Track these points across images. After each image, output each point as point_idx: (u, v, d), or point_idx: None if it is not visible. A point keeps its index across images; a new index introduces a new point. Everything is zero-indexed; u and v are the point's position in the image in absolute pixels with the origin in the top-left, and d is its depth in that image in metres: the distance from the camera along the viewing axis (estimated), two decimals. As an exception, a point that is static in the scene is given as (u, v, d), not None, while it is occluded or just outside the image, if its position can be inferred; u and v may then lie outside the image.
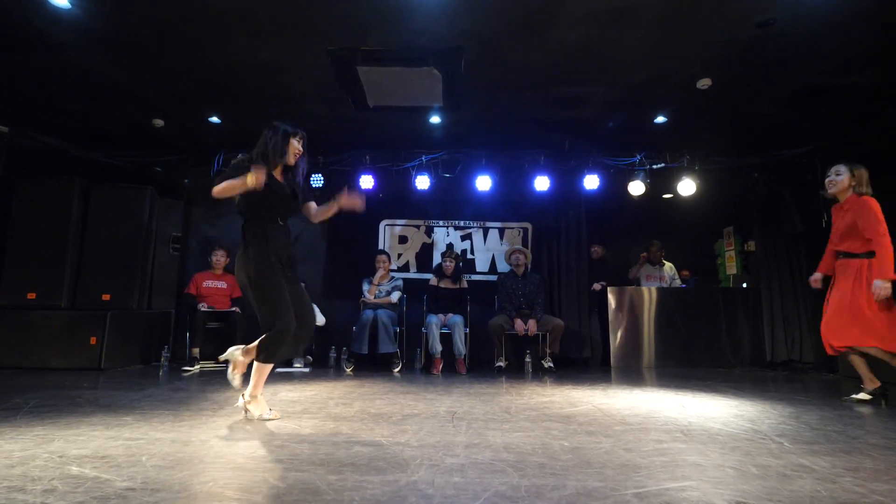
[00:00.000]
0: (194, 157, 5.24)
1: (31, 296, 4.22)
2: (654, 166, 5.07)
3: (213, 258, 4.88)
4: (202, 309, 4.59)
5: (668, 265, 5.65)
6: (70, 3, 2.91)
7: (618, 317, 5.22)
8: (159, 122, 4.56)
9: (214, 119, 4.55)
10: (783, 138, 4.77)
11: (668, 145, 5.01)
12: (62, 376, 3.68)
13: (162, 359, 4.41)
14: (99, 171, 4.86)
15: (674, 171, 5.08)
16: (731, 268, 5.86)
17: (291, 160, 2.61)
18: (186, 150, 5.20)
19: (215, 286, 4.83)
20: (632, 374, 4.51)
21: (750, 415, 2.66)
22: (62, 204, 4.39)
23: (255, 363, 2.41)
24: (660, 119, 4.46)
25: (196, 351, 4.45)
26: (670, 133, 4.74)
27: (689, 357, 5.08)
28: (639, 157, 5.05)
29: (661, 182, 5.21)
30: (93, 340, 4.12)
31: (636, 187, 5.02)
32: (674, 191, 5.16)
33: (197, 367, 4.34)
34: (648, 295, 5.27)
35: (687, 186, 5.02)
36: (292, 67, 3.65)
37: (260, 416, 2.39)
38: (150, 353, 4.69)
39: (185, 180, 4.73)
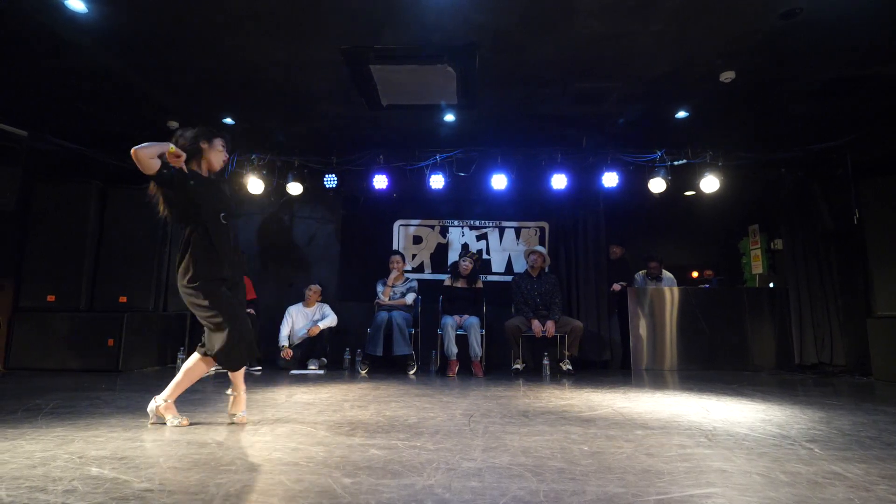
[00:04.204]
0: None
1: (51, 298, 4.31)
2: (676, 163, 4.94)
3: (229, 260, 4.91)
4: (218, 310, 4.62)
5: (667, 276, 5.50)
6: (86, 7, 2.96)
7: (638, 318, 5.09)
8: (174, 124, 4.62)
9: (228, 120, 4.59)
10: (811, 132, 4.60)
11: (690, 141, 4.88)
12: (81, 378, 3.74)
13: (178, 360, 4.44)
14: (115, 173, 4.94)
15: (696, 168, 4.95)
16: (757, 267, 5.67)
17: (217, 164, 2.44)
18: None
19: (231, 287, 4.86)
20: (653, 377, 4.39)
21: (778, 419, 2.54)
22: (79, 207, 4.49)
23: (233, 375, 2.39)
24: (681, 114, 4.34)
25: (212, 352, 4.47)
26: (692, 128, 4.61)
27: (713, 359, 4.93)
28: (659, 153, 4.92)
29: (682, 179, 5.08)
30: (110, 342, 4.19)
31: (657, 184, 4.89)
32: (696, 188, 5.02)
33: (212, 368, 4.36)
34: (670, 295, 5.13)
35: (710, 183, 4.88)
36: (305, 67, 3.65)
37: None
38: (166, 354, 4.75)
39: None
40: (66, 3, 2.91)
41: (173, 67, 3.67)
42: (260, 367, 4.52)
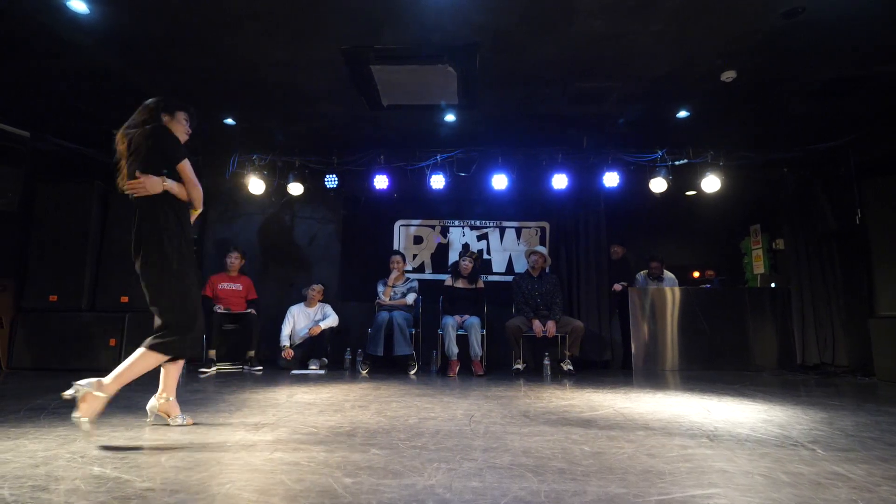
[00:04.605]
0: (210, 159, 5.30)
1: (53, 298, 4.32)
2: (677, 162, 4.93)
3: (229, 260, 4.92)
4: (218, 311, 4.62)
5: (668, 276, 5.48)
6: (88, 8, 2.97)
7: (639, 318, 5.08)
8: (176, 125, 4.62)
9: (229, 120, 4.60)
10: (813, 132, 4.59)
11: (692, 140, 4.87)
12: (83, 377, 3.73)
13: (180, 360, 4.45)
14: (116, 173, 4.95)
15: (697, 168, 4.94)
16: (759, 267, 5.66)
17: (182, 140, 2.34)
18: (202, 152, 5.26)
19: (231, 288, 4.87)
20: (654, 378, 4.38)
21: (780, 420, 2.53)
22: (81, 207, 4.50)
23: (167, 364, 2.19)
24: (682, 113, 4.34)
25: (212, 353, 4.48)
26: (693, 128, 4.61)
27: (715, 360, 4.92)
28: (660, 153, 4.92)
29: (683, 179, 5.07)
30: (112, 342, 4.19)
31: (658, 184, 4.89)
32: (697, 187, 5.01)
33: (213, 368, 4.38)
34: (671, 295, 5.12)
35: (711, 183, 4.87)
36: (306, 68, 3.65)
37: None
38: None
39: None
40: (67, 4, 2.92)
41: (173, 67, 3.68)
42: (261, 367, 4.52)
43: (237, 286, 4.90)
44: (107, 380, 2.01)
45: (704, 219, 5.75)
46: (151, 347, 2.09)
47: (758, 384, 3.91)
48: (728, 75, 3.65)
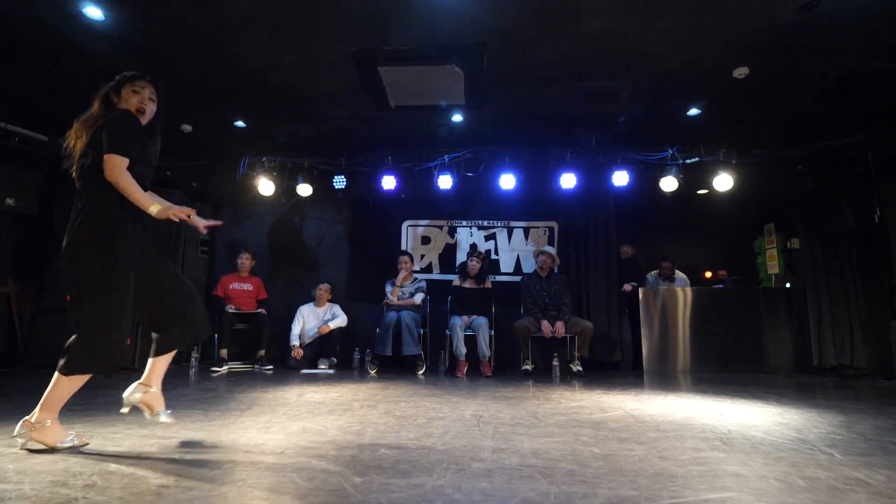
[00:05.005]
0: (221, 161, 5.36)
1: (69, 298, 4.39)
2: (688, 161, 4.87)
3: (239, 261, 4.96)
4: (229, 310, 4.67)
5: (680, 276, 5.41)
6: (103, 15, 3.02)
7: (650, 319, 5.03)
8: (188, 128, 4.68)
9: (240, 123, 4.64)
10: (830, 128, 4.50)
11: (703, 138, 4.81)
12: (98, 376, 3.79)
13: (192, 359, 4.50)
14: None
15: (709, 166, 4.87)
16: (773, 267, 5.56)
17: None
18: (213, 155, 5.33)
19: (241, 288, 4.91)
20: (665, 379, 4.33)
21: (796, 423, 2.48)
22: (98, 208, 4.56)
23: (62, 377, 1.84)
24: (693, 111, 4.28)
25: (224, 352, 4.53)
26: (705, 125, 4.54)
27: (728, 361, 4.85)
28: (671, 151, 4.86)
29: (695, 177, 5.01)
30: (128, 341, 4.24)
31: (668, 183, 4.83)
32: (709, 186, 4.95)
33: (225, 367, 4.42)
34: (683, 296, 5.06)
35: (723, 181, 4.80)
36: (314, 70, 3.67)
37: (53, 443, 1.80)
38: (180, 353, 4.78)
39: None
40: (84, 11, 2.97)
41: (185, 72, 3.72)
42: (271, 367, 4.55)
43: (248, 286, 4.94)
44: (33, 416, 1.80)
45: (716, 218, 5.67)
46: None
47: (772, 386, 3.84)
48: (740, 72, 3.59)
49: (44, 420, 1.79)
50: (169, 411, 2.03)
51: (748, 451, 1.95)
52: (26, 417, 1.79)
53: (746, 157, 4.85)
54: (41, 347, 4.33)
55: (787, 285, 5.33)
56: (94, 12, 2.99)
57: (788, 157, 4.89)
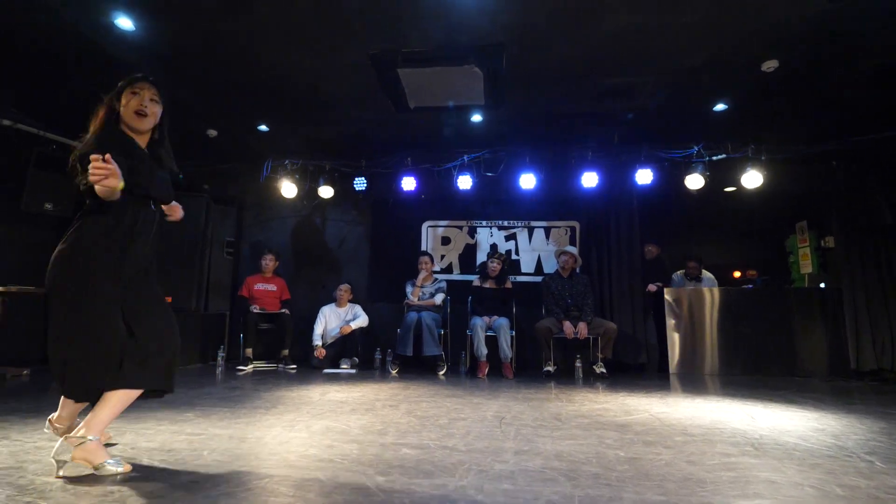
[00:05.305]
0: (245, 165, 5.47)
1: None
2: (714, 157, 4.74)
3: (263, 262, 5.06)
4: (254, 310, 4.76)
5: (707, 276, 5.26)
6: (134, 25, 3.13)
7: (676, 320, 4.91)
8: (213, 133, 4.80)
9: (263, 127, 4.73)
10: (865, 121, 4.32)
11: (730, 134, 4.67)
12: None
13: (218, 358, 4.61)
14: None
15: (737, 162, 4.73)
16: (806, 266, 5.37)
17: (138, 123, 1.80)
18: (238, 158, 5.45)
19: (265, 289, 5.01)
20: (692, 382, 4.22)
21: (833, 429, 2.39)
22: (129, 212, 4.72)
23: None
24: (719, 106, 4.17)
25: (249, 351, 4.62)
26: (732, 121, 4.42)
27: (758, 364, 4.69)
28: (696, 148, 4.74)
29: (722, 174, 4.87)
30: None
31: (694, 181, 4.71)
32: (737, 183, 4.81)
33: (250, 366, 4.51)
34: (710, 296, 4.92)
35: (752, 178, 4.66)
36: (334, 73, 3.71)
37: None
38: (207, 352, 4.93)
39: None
40: (115, 22, 3.08)
41: (210, 78, 3.81)
42: (295, 366, 4.63)
43: (272, 287, 5.04)
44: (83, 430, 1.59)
45: (745, 216, 5.50)
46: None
47: (807, 390, 3.70)
48: (769, 65, 3.48)
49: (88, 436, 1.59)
50: (117, 458, 1.61)
51: (781, 457, 1.89)
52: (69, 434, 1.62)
53: (777, 153, 4.69)
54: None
55: (822, 285, 5.13)
56: (125, 23, 3.10)
57: (821, 152, 4.71)
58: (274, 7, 2.96)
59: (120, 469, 1.57)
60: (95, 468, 1.55)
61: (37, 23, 3.11)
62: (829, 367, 4.64)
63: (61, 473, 1.53)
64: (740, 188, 4.82)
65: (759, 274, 5.69)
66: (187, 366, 4.61)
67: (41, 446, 1.85)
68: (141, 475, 1.57)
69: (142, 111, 1.81)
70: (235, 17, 3.05)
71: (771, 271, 5.70)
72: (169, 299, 4.57)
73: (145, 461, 1.71)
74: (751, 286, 5.36)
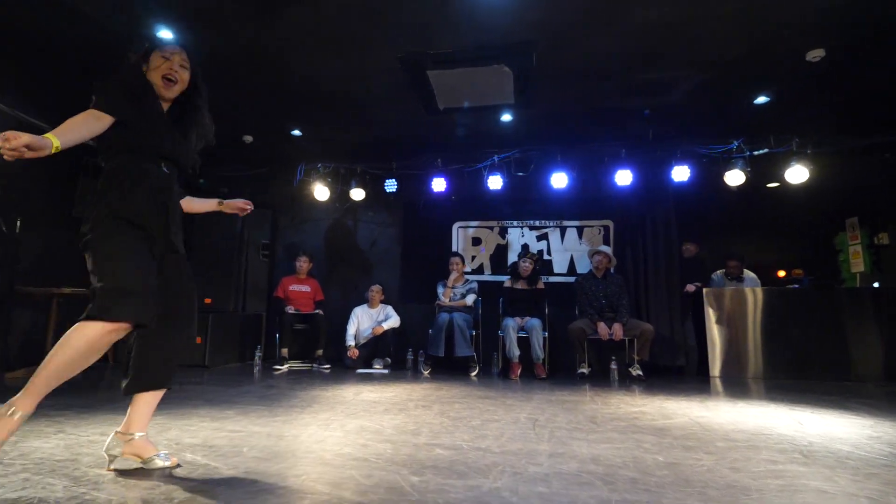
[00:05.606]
0: (279, 169, 5.63)
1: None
2: (756, 152, 4.55)
3: (298, 263, 5.18)
4: (289, 311, 4.89)
5: (749, 276, 5.03)
6: (173, 35, 3.27)
7: (717, 321, 4.73)
8: (249, 139, 4.96)
9: (296, 132, 4.85)
10: (921, 110, 4.06)
11: (773, 128, 4.48)
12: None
13: (255, 357, 4.75)
14: (196, 186, 5.37)
15: (780, 157, 4.53)
16: (858, 265, 5.07)
17: (165, 89, 1.70)
18: (272, 163, 5.61)
19: (300, 290, 5.13)
20: (735, 386, 4.06)
21: (890, 437, 2.25)
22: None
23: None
24: (761, 99, 4.00)
25: (285, 351, 4.74)
26: (774, 114, 4.23)
27: (806, 368, 4.46)
28: (736, 143, 4.57)
29: (764, 170, 4.67)
30: (198, 340, 4.55)
31: (734, 177, 4.54)
32: (781, 179, 4.60)
33: (286, 366, 4.63)
34: (753, 297, 4.72)
35: (797, 173, 4.44)
36: (364, 77, 3.77)
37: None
38: (245, 351, 5.09)
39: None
40: (158, 33, 3.23)
41: (246, 85, 3.94)
42: (329, 366, 4.72)
43: (306, 288, 5.16)
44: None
45: (790, 213, 5.25)
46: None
47: (860, 396, 3.50)
48: (815, 54, 3.32)
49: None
50: (165, 452, 1.68)
51: (833, 465, 1.79)
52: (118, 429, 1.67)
53: (824, 147, 4.46)
54: (120, 344, 4.71)
55: (875, 285, 4.84)
56: (165, 34, 3.26)
57: (873, 144, 4.45)
58: (305, 14, 3.03)
59: (167, 463, 1.65)
60: (144, 462, 1.63)
61: (84, 35, 3.27)
62: (884, 371, 4.37)
63: (112, 467, 1.62)
64: (784, 184, 4.61)
65: (806, 273, 5.41)
66: (226, 364, 4.77)
67: (94, 440, 1.96)
68: (185, 470, 1.64)
69: (171, 76, 1.71)
70: (269, 25, 3.15)
71: (818, 270, 5.42)
72: (209, 301, 4.79)
73: (189, 456, 1.78)
74: (797, 286, 5.11)
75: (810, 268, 5.44)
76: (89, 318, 1.46)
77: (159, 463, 1.63)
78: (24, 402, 1.40)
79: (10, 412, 1.39)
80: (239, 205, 2.05)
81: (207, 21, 3.12)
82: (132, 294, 1.49)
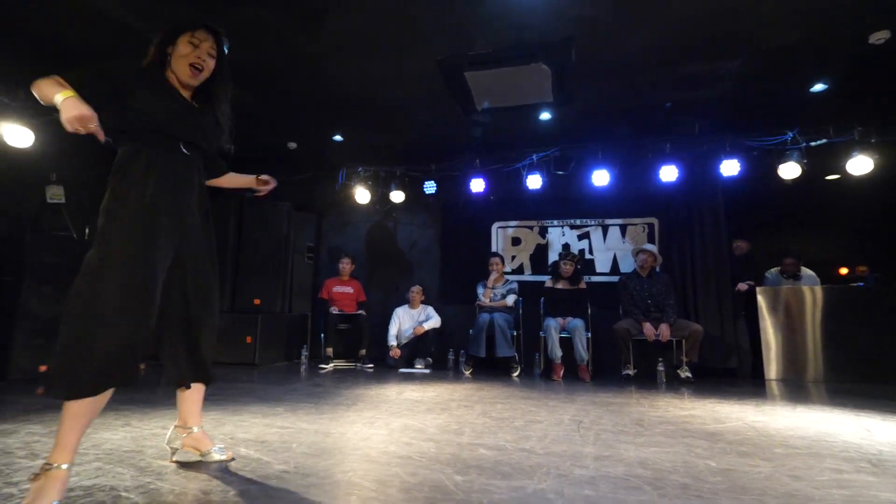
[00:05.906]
0: (322, 173, 5.80)
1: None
2: (813, 143, 4.29)
3: (341, 265, 5.33)
4: (333, 312, 5.04)
5: (807, 273, 4.72)
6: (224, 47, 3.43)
7: (772, 321, 4.49)
8: (293, 145, 5.15)
9: (337, 137, 4.99)
10: None
11: (831, 117, 4.21)
12: (226, 370, 4.31)
13: (302, 357, 4.92)
14: (244, 191, 5.61)
15: (840, 147, 4.25)
16: (930, 261, 4.69)
17: (192, 78, 1.61)
18: (315, 168, 5.79)
19: (343, 291, 5.27)
20: (793, 389, 3.85)
21: (973, 447, 2.07)
22: (221, 222, 5.18)
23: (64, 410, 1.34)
24: (818, 87, 3.77)
25: (329, 350, 4.89)
26: (833, 102, 3.98)
27: (873, 371, 4.16)
28: (791, 133, 4.32)
29: (821, 161, 4.40)
30: (248, 339, 4.76)
31: (789, 169, 4.29)
32: (841, 170, 4.31)
33: (331, 365, 4.77)
34: (811, 296, 4.45)
35: (860, 164, 4.16)
36: (402, 81, 3.83)
37: None
38: (291, 351, 5.28)
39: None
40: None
41: (289, 93, 4.09)
42: (372, 365, 4.83)
43: (349, 289, 5.29)
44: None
45: (851, 206, 4.91)
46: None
47: (936, 402, 3.24)
48: (878, 36, 3.10)
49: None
50: (222, 446, 1.78)
51: (907, 476, 1.67)
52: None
53: (889, 135, 4.15)
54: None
55: (952, 282, 4.46)
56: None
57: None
58: (346, 22, 3.11)
59: (223, 457, 1.74)
60: (202, 454, 1.72)
61: (136, 52, 3.46)
62: (965, 376, 4.02)
63: (174, 458, 1.72)
64: (845, 175, 4.32)
65: (871, 270, 5.05)
66: (274, 363, 4.97)
67: (157, 433, 2.09)
68: (239, 463, 1.72)
69: (198, 64, 1.59)
70: (310, 33, 3.25)
71: (885, 267, 5.04)
72: (258, 302, 5.01)
73: (242, 451, 1.87)
74: (862, 284, 4.77)
75: (876, 265, 5.07)
76: (49, 395, 1.33)
77: (216, 456, 1.72)
78: (59, 455, 1.32)
79: (53, 467, 1.30)
80: (269, 181, 2.01)
81: (254, 31, 3.25)
82: (93, 355, 1.32)
